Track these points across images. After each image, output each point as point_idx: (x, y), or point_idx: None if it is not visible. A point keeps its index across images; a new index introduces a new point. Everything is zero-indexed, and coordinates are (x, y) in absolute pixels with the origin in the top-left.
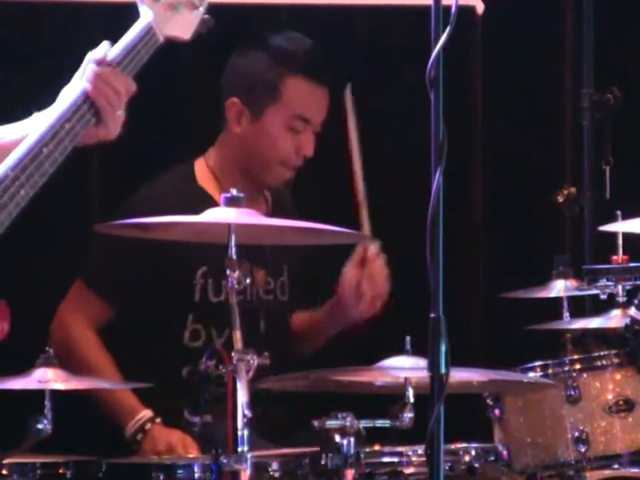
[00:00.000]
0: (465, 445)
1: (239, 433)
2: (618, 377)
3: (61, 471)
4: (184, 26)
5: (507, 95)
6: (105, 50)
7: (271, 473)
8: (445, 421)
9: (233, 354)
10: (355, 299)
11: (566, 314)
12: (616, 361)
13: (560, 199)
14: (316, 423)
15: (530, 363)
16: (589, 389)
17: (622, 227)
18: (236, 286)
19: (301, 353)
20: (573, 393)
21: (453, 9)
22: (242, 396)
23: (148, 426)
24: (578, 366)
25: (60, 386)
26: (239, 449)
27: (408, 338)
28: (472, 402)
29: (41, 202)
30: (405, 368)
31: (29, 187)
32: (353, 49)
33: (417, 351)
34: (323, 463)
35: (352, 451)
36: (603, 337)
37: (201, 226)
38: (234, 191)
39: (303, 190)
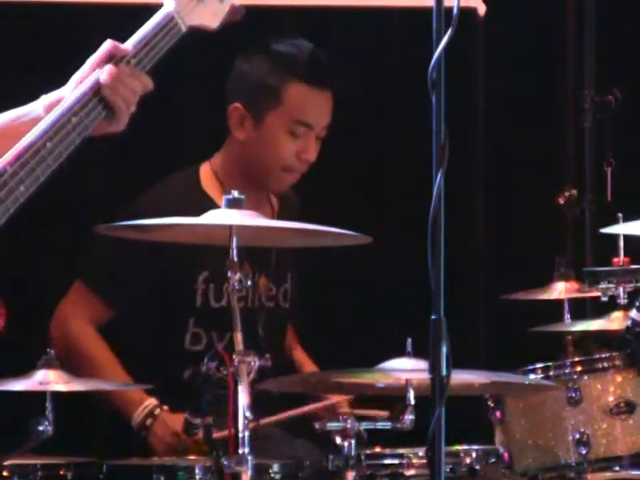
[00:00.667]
0: (466, 447)
1: (240, 435)
2: (619, 379)
3: (61, 473)
4: (211, 15)
5: (508, 97)
6: (124, 47)
7: (272, 475)
8: (446, 423)
9: (234, 356)
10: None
11: (567, 316)
12: (617, 363)
13: (561, 201)
14: (317, 425)
15: (531, 365)
16: (590, 390)
17: (623, 229)
18: (237, 287)
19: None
20: (574, 394)
21: (455, 10)
22: (243, 398)
23: (157, 411)
24: (579, 368)
25: (61, 387)
26: (240, 451)
27: (409, 340)
28: (473, 404)
29: (44, 202)
30: (406, 370)
31: (29, 183)
32: (356, 51)
33: (418, 353)
34: (324, 464)
35: (353, 452)
36: (604, 339)
37: (202, 228)
38: (235, 193)
39: (309, 193)
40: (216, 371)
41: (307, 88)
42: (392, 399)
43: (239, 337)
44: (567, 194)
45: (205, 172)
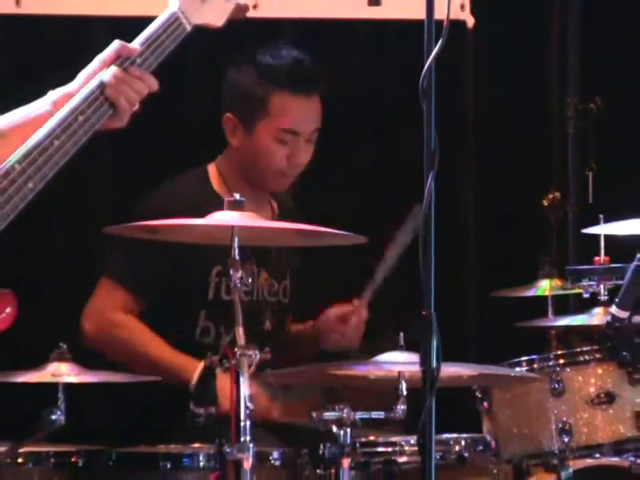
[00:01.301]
0: (455, 435)
1: (242, 424)
2: (600, 371)
3: (73, 460)
4: (215, 13)
5: (496, 105)
6: (132, 47)
7: (272, 462)
8: (436, 413)
9: (235, 349)
10: (329, 335)
11: (551, 312)
12: (598, 356)
13: (545, 203)
14: (314, 415)
15: (517, 358)
16: (572, 382)
17: (604, 229)
18: (238, 285)
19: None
20: (557, 386)
21: (445, 23)
22: (244, 389)
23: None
24: (562, 361)
25: (73, 379)
26: (242, 439)
27: (401, 334)
28: (462, 395)
29: (55, 202)
30: (398, 362)
31: (38, 180)
32: (353, 61)
33: (410, 347)
34: (321, 452)
35: (348, 441)
36: (586, 333)
37: (206, 228)
38: (237, 196)
39: (307, 194)
40: (218, 364)
41: (290, 96)
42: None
43: (240, 331)
44: (551, 197)
45: (213, 172)
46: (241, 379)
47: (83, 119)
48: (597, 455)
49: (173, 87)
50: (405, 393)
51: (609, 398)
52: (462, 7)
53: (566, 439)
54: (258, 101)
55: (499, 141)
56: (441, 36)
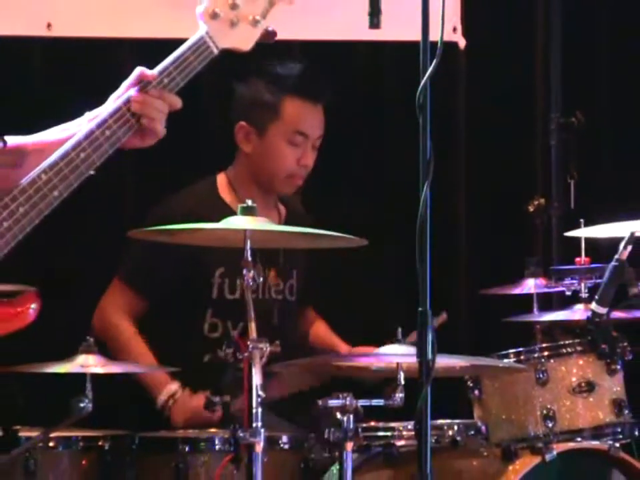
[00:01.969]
0: (448, 421)
1: (254, 411)
2: (581, 362)
3: (99, 444)
4: (243, 38)
5: (486, 118)
6: (151, 73)
7: (281, 445)
8: (431, 401)
9: (248, 343)
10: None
11: (536, 308)
12: (579, 348)
13: (531, 209)
14: (320, 402)
15: (505, 350)
16: (555, 372)
17: (584, 232)
18: (250, 283)
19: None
20: (541, 376)
21: (439, 44)
22: (256, 379)
23: (177, 395)
24: (546, 353)
25: (99, 370)
26: (254, 425)
27: (399, 329)
28: (455, 384)
29: (85, 210)
30: (397, 355)
31: (63, 188)
32: (354, 77)
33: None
34: (326, 436)
35: (351, 426)
36: (568, 327)
37: (220, 232)
38: (249, 202)
39: (313, 199)
40: (233, 356)
41: (301, 101)
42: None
43: (252, 326)
44: (536, 202)
45: (222, 181)
46: (253, 370)
47: (110, 133)
48: (579, 439)
49: (190, 100)
50: (403, 382)
51: (589, 387)
52: (454, 29)
53: (550, 424)
54: (269, 106)
55: (488, 152)
56: (435, 56)
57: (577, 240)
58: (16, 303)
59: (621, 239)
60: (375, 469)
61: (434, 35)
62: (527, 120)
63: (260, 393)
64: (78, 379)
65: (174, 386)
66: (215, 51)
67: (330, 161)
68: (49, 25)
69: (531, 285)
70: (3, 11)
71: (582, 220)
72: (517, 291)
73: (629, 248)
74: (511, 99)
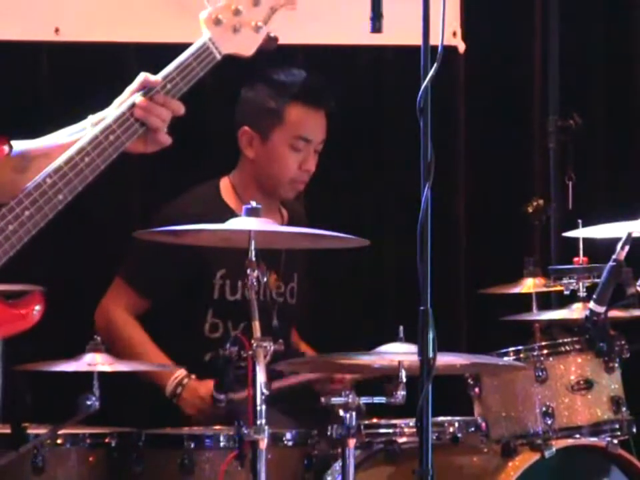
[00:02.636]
0: (449, 418)
1: (258, 408)
2: (579, 360)
3: (106, 440)
4: (246, 44)
5: (485, 121)
6: (154, 79)
7: (285, 442)
8: (432, 398)
9: (252, 341)
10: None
11: (535, 307)
12: (577, 346)
13: (530, 209)
14: (323, 400)
15: (504, 348)
16: (554, 370)
17: (582, 233)
18: (254, 283)
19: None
20: (541, 374)
21: (439, 48)
22: (260, 377)
23: (185, 381)
24: (545, 351)
25: (107, 368)
26: (258, 422)
27: (401, 327)
28: (455, 382)
29: (92, 210)
30: (398, 353)
31: (68, 192)
32: (356, 81)
33: (408, 339)
34: (329, 433)
35: (353, 423)
36: (567, 326)
37: (225, 233)
38: (253, 203)
39: (316, 202)
40: (237, 354)
41: (304, 107)
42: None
43: (256, 325)
44: (534, 203)
45: (225, 185)
46: (257, 368)
47: (114, 137)
48: (577, 436)
49: (196, 106)
50: (404, 380)
51: (587, 384)
52: (454, 34)
53: (549, 421)
54: (273, 112)
55: (487, 153)
56: (435, 60)
57: (575, 240)
58: (20, 304)
59: (619, 239)
60: (376, 465)
61: (434, 39)
62: (525, 122)
63: (264, 390)
64: (85, 377)
65: (181, 372)
66: (218, 57)
67: (331, 162)
68: (56, 30)
69: (529, 285)
70: (12, 15)
71: (580, 220)
72: (516, 290)
73: (626, 248)
74: (509, 101)
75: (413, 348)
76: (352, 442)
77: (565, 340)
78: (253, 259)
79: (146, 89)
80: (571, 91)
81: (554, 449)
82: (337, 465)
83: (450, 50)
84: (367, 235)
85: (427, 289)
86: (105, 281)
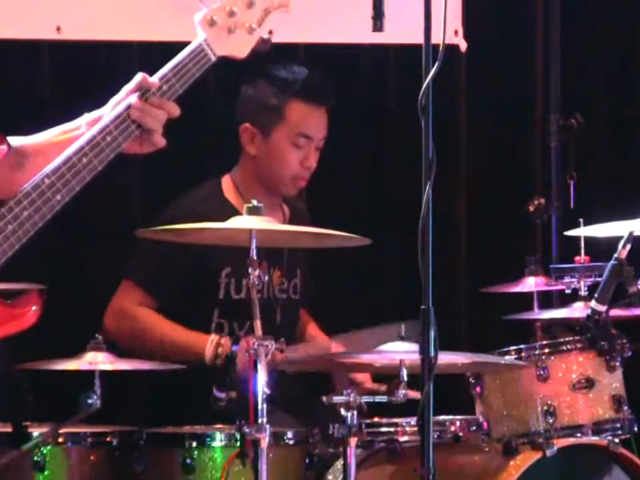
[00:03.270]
0: (451, 417)
1: (259, 407)
2: (581, 359)
3: (108, 439)
4: (240, 45)
5: (486, 120)
6: (151, 80)
7: (286, 441)
8: (433, 397)
9: (254, 340)
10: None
11: (536, 306)
12: (579, 345)
13: (531, 208)
14: (324, 399)
15: (506, 347)
16: (556, 369)
17: (583, 231)
18: (256, 282)
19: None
20: (542, 372)
21: (441, 47)
22: (262, 376)
23: (223, 340)
24: (546, 350)
25: (108, 367)
26: (259, 420)
27: (402, 325)
28: (457, 381)
29: (94, 209)
30: (400, 351)
31: (65, 193)
32: (358, 80)
33: (410, 337)
34: (330, 432)
35: (355, 422)
36: (568, 325)
37: (227, 231)
38: (255, 202)
39: (319, 201)
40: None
41: (304, 105)
42: (388, 376)
43: (258, 324)
44: (536, 202)
45: (226, 183)
46: (259, 367)
47: (111, 138)
48: (579, 435)
49: (195, 111)
50: (405, 378)
51: (589, 383)
52: (456, 32)
53: (550, 420)
54: (274, 109)
55: (489, 152)
56: (437, 58)
57: (576, 239)
58: (17, 304)
59: (620, 237)
60: (378, 464)
61: (436, 38)
62: (527, 121)
63: (265, 389)
64: (86, 375)
65: (214, 336)
66: (213, 58)
67: (333, 161)
68: (58, 28)
69: (531, 283)
70: (13, 14)
71: (581, 219)
72: (518, 289)
73: (628, 247)
74: (511, 100)
75: (414, 347)
76: (353, 441)
77: (567, 339)
78: (255, 257)
79: (143, 89)
80: (572, 90)
81: (555, 448)
82: (339, 464)
83: (451, 49)
84: (368, 233)
85: (428, 288)
86: (107, 279)
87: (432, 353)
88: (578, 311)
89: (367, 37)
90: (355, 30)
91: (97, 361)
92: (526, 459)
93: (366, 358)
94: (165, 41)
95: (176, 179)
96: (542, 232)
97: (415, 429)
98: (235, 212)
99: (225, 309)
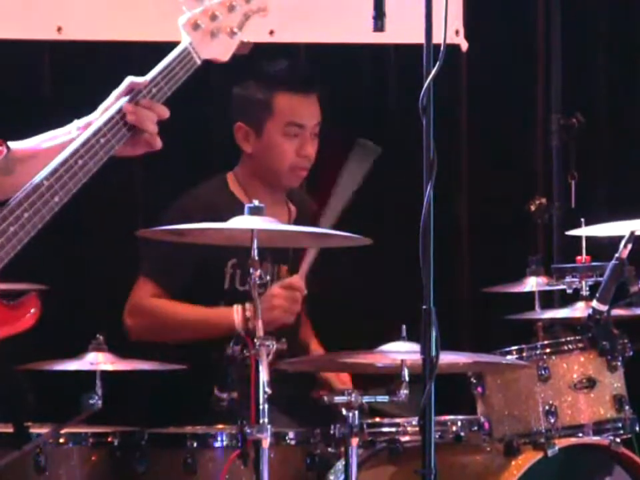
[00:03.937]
0: (452, 417)
1: (261, 407)
2: (582, 358)
3: (109, 439)
4: (222, 49)
5: (487, 120)
6: (141, 82)
7: (288, 441)
8: (435, 397)
9: (255, 340)
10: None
11: (538, 306)
12: (580, 345)
13: (532, 208)
14: (326, 399)
15: (507, 347)
16: (557, 369)
17: (585, 231)
18: (257, 282)
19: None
20: (543, 372)
21: (442, 47)
22: (263, 376)
23: (246, 304)
24: (548, 350)
25: (109, 367)
26: (261, 421)
27: (404, 326)
28: (458, 380)
29: (96, 209)
30: (401, 352)
31: (63, 194)
32: (359, 81)
33: (411, 337)
34: (331, 432)
35: (356, 422)
36: (569, 325)
37: (228, 231)
38: (256, 202)
39: (316, 201)
40: (240, 353)
41: (290, 94)
42: (389, 376)
43: (259, 324)
44: (537, 202)
45: (231, 179)
46: (260, 367)
47: (104, 141)
48: (580, 434)
49: (197, 102)
50: (407, 379)
51: (590, 383)
52: (457, 32)
53: (552, 420)
54: (262, 103)
55: (490, 152)
56: (438, 58)
57: (577, 239)
58: (16, 306)
59: (621, 237)
60: (379, 464)
61: (437, 38)
62: (528, 121)
63: (266, 389)
64: (88, 376)
65: (236, 305)
66: (198, 62)
67: (333, 161)
68: (59, 29)
69: (532, 283)
70: (14, 14)
71: (582, 219)
72: (519, 289)
73: (629, 246)
74: (512, 100)
75: (415, 347)
76: (355, 441)
77: (568, 338)
78: (256, 257)
79: (133, 92)
80: (573, 90)
81: (557, 448)
82: (340, 464)
83: (452, 48)
84: (369, 233)
85: (429, 288)
86: (109, 280)
87: (433, 353)
88: (579, 310)
89: (367, 36)
90: (355, 30)
91: (98, 361)
92: (527, 459)
93: (367, 358)
94: (165, 41)
95: (177, 179)
96: (543, 232)
97: (417, 428)
98: (242, 207)
99: (230, 299)
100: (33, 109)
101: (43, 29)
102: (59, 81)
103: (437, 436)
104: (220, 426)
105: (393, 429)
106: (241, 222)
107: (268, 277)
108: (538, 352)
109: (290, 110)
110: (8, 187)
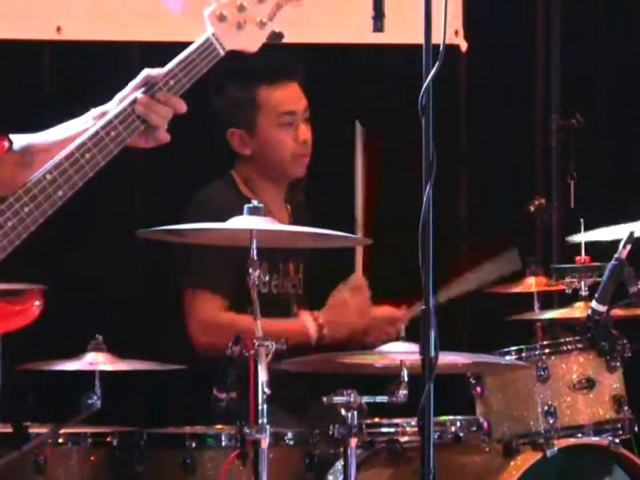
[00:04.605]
0: (451, 417)
1: (260, 408)
2: (581, 359)
3: (108, 440)
4: (250, 39)
5: (487, 121)
6: (157, 75)
7: (287, 441)
8: (434, 397)
9: (254, 340)
10: (341, 313)
11: (537, 306)
12: (579, 345)
13: (532, 209)
14: (325, 399)
15: (506, 347)
16: (556, 369)
17: (585, 237)
18: (257, 282)
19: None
20: (543, 373)
21: (441, 47)
22: (262, 376)
23: (316, 313)
24: (547, 350)
25: (108, 367)
26: (260, 421)
27: (403, 326)
28: (457, 381)
29: (95, 208)
30: (400, 352)
31: (68, 188)
32: (358, 81)
33: (410, 338)
34: (330, 432)
35: (355, 422)
36: (569, 325)
37: (227, 232)
38: (255, 202)
39: (316, 201)
40: (239, 354)
41: (272, 85)
42: (388, 376)
43: (258, 324)
44: (536, 202)
45: (238, 180)
46: (259, 367)
47: (115, 133)
48: (579, 435)
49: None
50: (406, 379)
51: (589, 383)
52: (456, 32)
53: (551, 420)
54: (247, 101)
55: (489, 153)
56: (437, 59)
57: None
58: (19, 300)
59: (621, 238)
60: (378, 464)
61: (436, 38)
62: (527, 121)
63: (265, 389)
64: (87, 376)
65: (306, 314)
66: (222, 53)
67: (333, 160)
68: (58, 29)
69: (531, 284)
70: (14, 14)
71: (582, 220)
72: (518, 289)
73: (628, 247)
74: (511, 100)
75: (414, 347)
76: (354, 441)
77: (567, 339)
78: (255, 258)
79: (149, 84)
80: (573, 90)
81: (556, 448)
82: (339, 464)
83: (452, 49)
84: (371, 233)
85: (429, 288)
86: (108, 280)
87: (432, 353)
88: (578, 311)
89: (367, 37)
90: (355, 30)
91: (98, 361)
92: (526, 460)
93: (367, 358)
94: (166, 40)
95: (177, 179)
96: (542, 232)
97: (416, 429)
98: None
99: (264, 304)
100: (32, 109)
101: (42, 29)
102: (59, 81)
103: (436, 436)
104: (219, 426)
105: (392, 430)
106: (241, 222)
107: (267, 277)
108: (537, 352)
109: (277, 100)
110: (25, 180)
